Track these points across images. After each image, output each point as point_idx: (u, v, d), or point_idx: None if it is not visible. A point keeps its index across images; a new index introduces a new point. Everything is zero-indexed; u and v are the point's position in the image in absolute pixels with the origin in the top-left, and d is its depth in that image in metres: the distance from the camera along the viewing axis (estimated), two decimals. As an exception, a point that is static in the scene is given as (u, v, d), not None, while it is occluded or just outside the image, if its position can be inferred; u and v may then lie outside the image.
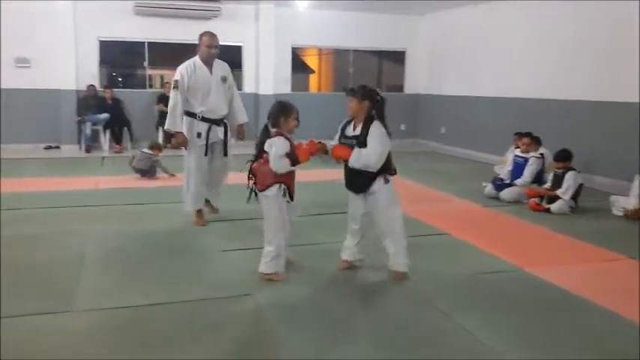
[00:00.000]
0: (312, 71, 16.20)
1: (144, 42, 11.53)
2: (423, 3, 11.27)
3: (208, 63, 5.46)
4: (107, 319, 3.36)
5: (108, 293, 3.75)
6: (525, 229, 5.72)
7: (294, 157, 3.89)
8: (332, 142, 4.13)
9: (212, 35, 5.47)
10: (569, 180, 6.32)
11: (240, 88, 12.23)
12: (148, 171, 7.93)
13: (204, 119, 5.42)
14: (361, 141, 3.93)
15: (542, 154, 7.15)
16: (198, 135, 5.41)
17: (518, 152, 7.24)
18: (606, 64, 7.97)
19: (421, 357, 2.98)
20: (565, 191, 6.32)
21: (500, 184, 7.03)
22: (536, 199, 6.51)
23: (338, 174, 4.23)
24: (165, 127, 5.48)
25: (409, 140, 12.80)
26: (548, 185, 6.61)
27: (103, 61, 11.55)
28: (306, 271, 4.26)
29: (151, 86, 12.16)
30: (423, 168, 9.21)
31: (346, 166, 4.04)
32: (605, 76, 7.97)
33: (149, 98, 11.54)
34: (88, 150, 10.58)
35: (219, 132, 5.50)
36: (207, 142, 5.42)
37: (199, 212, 5.60)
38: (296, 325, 3.32)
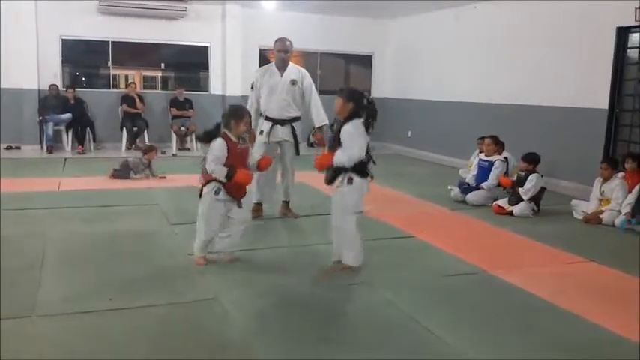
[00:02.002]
0: (280, 73, 16.21)
1: (108, 41, 11.35)
2: (391, 8, 11.34)
3: (280, 67, 5.85)
4: (69, 325, 3.28)
5: (70, 298, 3.67)
6: (489, 232, 5.81)
7: (231, 172, 4.10)
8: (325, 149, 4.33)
9: (282, 41, 5.88)
10: (532, 182, 6.45)
11: (206, 89, 12.23)
12: (123, 172, 7.88)
13: (267, 119, 5.82)
14: (337, 137, 4.12)
15: (505, 157, 7.29)
16: (261, 132, 5.81)
17: (482, 156, 7.35)
18: (572, 71, 8.14)
19: (385, 357, 3.00)
20: (526, 191, 6.44)
21: (466, 188, 7.14)
22: (499, 202, 6.62)
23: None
24: None
25: (376, 143, 12.78)
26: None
27: (66, 61, 11.33)
28: (272, 274, 4.24)
29: (115, 86, 11.98)
30: (390, 171, 9.28)
31: None
32: (571, 82, 8.15)
33: (113, 98, 11.36)
34: (49, 151, 10.35)
35: (280, 132, 5.81)
36: (268, 139, 5.76)
37: (257, 205, 5.89)
38: (261, 330, 3.31)
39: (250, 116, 4.32)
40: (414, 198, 7.27)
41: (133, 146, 10.94)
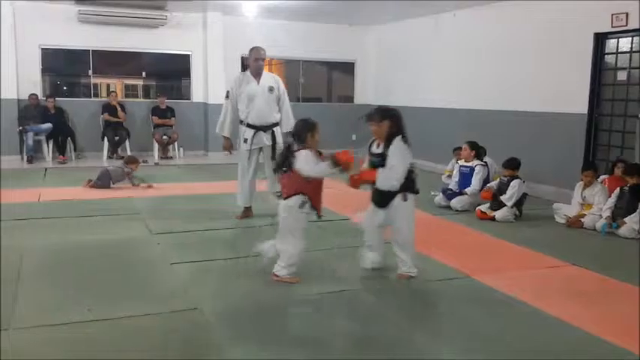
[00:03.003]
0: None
1: (88, 50, 11.27)
2: (371, 15, 11.40)
3: (257, 74, 6.01)
4: (47, 337, 3.23)
5: (48, 309, 3.61)
6: (472, 237, 5.84)
7: (334, 160, 3.98)
8: (364, 166, 4.38)
9: (258, 49, 6.04)
10: (514, 187, 6.49)
11: (188, 97, 12.18)
12: (103, 182, 7.80)
13: (249, 126, 5.99)
14: (383, 158, 4.17)
15: (486, 162, 7.34)
16: (245, 140, 6.02)
17: (462, 162, 7.39)
18: (551, 76, 8.23)
19: (369, 366, 2.99)
20: (509, 198, 6.48)
21: (450, 194, 7.17)
22: (482, 208, 6.66)
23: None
24: (216, 131, 6.22)
25: (360, 149, 12.87)
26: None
27: (46, 70, 11.23)
28: (256, 283, 4.21)
29: (96, 95, 11.89)
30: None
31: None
32: (551, 88, 8.24)
33: (94, 107, 11.28)
34: (30, 161, 10.23)
35: (264, 138, 6.00)
36: (250, 147, 5.99)
37: (246, 209, 6.24)
38: (243, 340, 3.27)
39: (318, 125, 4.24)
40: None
41: (115, 155, 10.86)
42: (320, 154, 4.16)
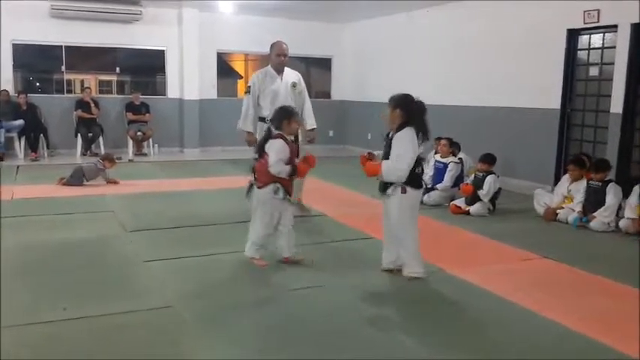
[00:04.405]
0: (240, 76, 16.09)
1: (61, 45, 11.09)
2: (346, 11, 11.41)
3: (279, 70, 5.95)
4: (21, 337, 3.18)
5: (22, 309, 3.56)
6: (446, 232, 5.88)
7: (293, 168, 4.25)
8: (377, 152, 4.28)
9: (280, 44, 5.94)
10: (489, 183, 6.55)
11: (163, 93, 12.08)
12: (76, 179, 7.69)
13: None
14: (388, 147, 4.07)
15: (460, 158, 7.40)
16: None
17: (438, 157, 7.44)
18: (526, 72, 8.32)
19: (341, 359, 3.00)
20: (486, 193, 6.54)
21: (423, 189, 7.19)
22: (457, 202, 6.71)
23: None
24: (238, 127, 6.03)
25: (338, 146, 12.94)
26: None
27: (18, 66, 11.03)
28: (229, 281, 4.20)
29: (70, 91, 11.72)
30: (351, 173, 9.25)
31: None
32: (525, 83, 8.33)
33: (67, 103, 11.12)
34: (1, 158, 10.03)
35: None
36: None
37: None
38: (218, 338, 3.25)
39: (298, 114, 4.46)
40: (373, 199, 7.28)
41: (88, 152, 10.73)
42: (296, 143, 4.45)
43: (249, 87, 6.00)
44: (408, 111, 4.07)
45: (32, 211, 6.18)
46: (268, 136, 4.35)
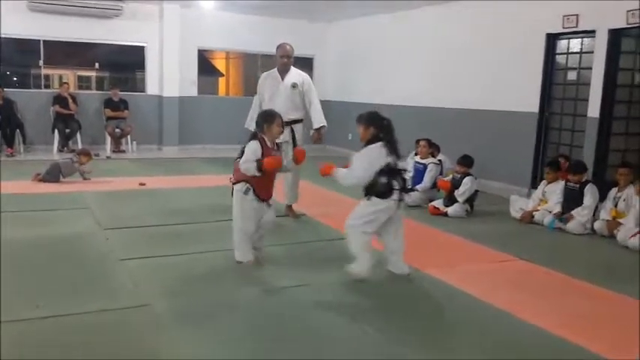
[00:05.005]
0: (221, 74, 16.00)
1: (39, 40, 10.92)
2: (329, 11, 11.41)
3: (283, 72, 6.10)
4: (-8, 335, 3.13)
5: (-7, 306, 3.50)
6: (424, 232, 5.92)
7: (260, 163, 4.24)
8: None
9: (283, 46, 6.14)
10: (467, 184, 6.60)
11: (143, 89, 11.96)
12: (53, 175, 7.59)
13: None
14: None
15: (440, 160, 7.45)
16: None
17: (417, 159, 7.48)
18: (505, 75, 8.40)
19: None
20: (462, 194, 6.59)
21: (402, 189, 7.23)
22: (435, 203, 6.75)
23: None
24: (245, 126, 6.12)
25: (319, 146, 12.87)
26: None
27: (-6, 60, 10.85)
28: (206, 280, 4.18)
29: (47, 86, 11.56)
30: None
31: None
32: (504, 86, 8.41)
33: (45, 99, 10.94)
34: (-24, 153, 9.89)
35: (285, 133, 5.82)
36: None
37: None
38: (194, 337, 3.24)
39: (282, 118, 4.50)
40: (352, 199, 7.28)
41: (65, 148, 10.59)
42: (278, 146, 4.53)
43: (257, 87, 6.29)
44: (380, 128, 4.27)
45: (6, 208, 6.06)
46: (252, 138, 4.43)
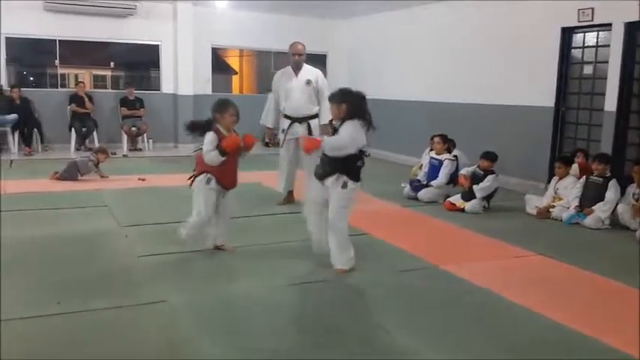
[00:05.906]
0: (235, 72, 16.05)
1: (55, 40, 11.02)
2: (342, 8, 11.39)
3: (296, 69, 6.37)
4: (15, 331, 3.17)
5: (16, 303, 3.54)
6: (441, 228, 5.90)
7: (221, 149, 4.33)
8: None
9: (295, 45, 6.40)
10: (488, 182, 6.56)
11: (157, 88, 12.04)
12: (70, 174, 7.67)
13: (286, 117, 6.38)
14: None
15: (455, 155, 7.42)
16: (282, 131, 6.43)
17: (433, 154, 7.46)
18: (521, 70, 8.34)
19: (338, 357, 3.00)
20: (481, 189, 6.55)
21: (417, 186, 7.23)
22: (452, 199, 6.73)
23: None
24: (260, 122, 6.56)
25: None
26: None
27: (11, 60, 10.98)
28: (222, 276, 4.21)
29: (63, 86, 11.67)
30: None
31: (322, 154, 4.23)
32: (520, 81, 8.35)
33: (61, 98, 11.05)
34: (-4, 152, 10.02)
35: (299, 129, 6.29)
36: (285, 137, 6.38)
37: (288, 194, 6.59)
38: (213, 332, 3.26)
39: (236, 107, 4.55)
40: (367, 195, 7.29)
41: (82, 147, 10.69)
42: (236, 134, 4.52)
43: (272, 84, 6.56)
44: (354, 104, 4.19)
45: (26, 206, 6.16)
46: (206, 129, 4.47)
